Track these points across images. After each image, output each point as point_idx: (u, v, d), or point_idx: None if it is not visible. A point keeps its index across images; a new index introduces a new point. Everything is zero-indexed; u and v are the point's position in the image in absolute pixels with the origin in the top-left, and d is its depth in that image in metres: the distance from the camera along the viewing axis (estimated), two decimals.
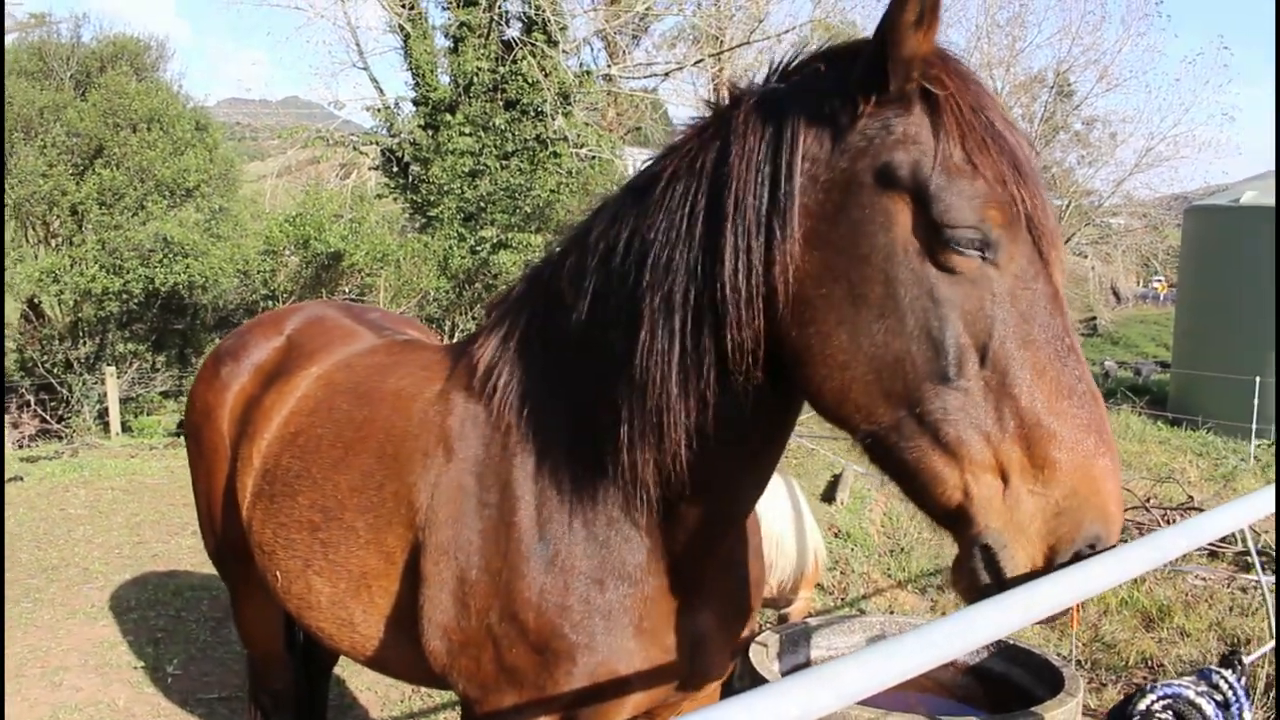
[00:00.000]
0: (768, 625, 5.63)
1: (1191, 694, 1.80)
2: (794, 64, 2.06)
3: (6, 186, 16.04)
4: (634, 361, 2.15)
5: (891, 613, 7.67)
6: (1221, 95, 79.33)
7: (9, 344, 16.13)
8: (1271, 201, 17.54)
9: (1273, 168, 19.39)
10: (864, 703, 4.13)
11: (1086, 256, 40.08)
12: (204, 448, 3.67)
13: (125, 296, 16.85)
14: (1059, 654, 6.41)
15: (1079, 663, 7.18)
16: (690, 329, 2.05)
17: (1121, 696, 6.19)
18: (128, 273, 16.73)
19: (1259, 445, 15.61)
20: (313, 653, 4.21)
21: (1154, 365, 26.85)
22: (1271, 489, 2.63)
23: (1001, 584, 1.72)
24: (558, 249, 2.56)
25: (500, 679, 2.48)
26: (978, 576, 1.76)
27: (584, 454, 2.37)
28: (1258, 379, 15.87)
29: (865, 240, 1.81)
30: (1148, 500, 10.62)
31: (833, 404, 1.88)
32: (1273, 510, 2.50)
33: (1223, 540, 9.57)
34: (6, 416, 15.03)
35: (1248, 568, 9.29)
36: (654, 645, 2.45)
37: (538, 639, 2.39)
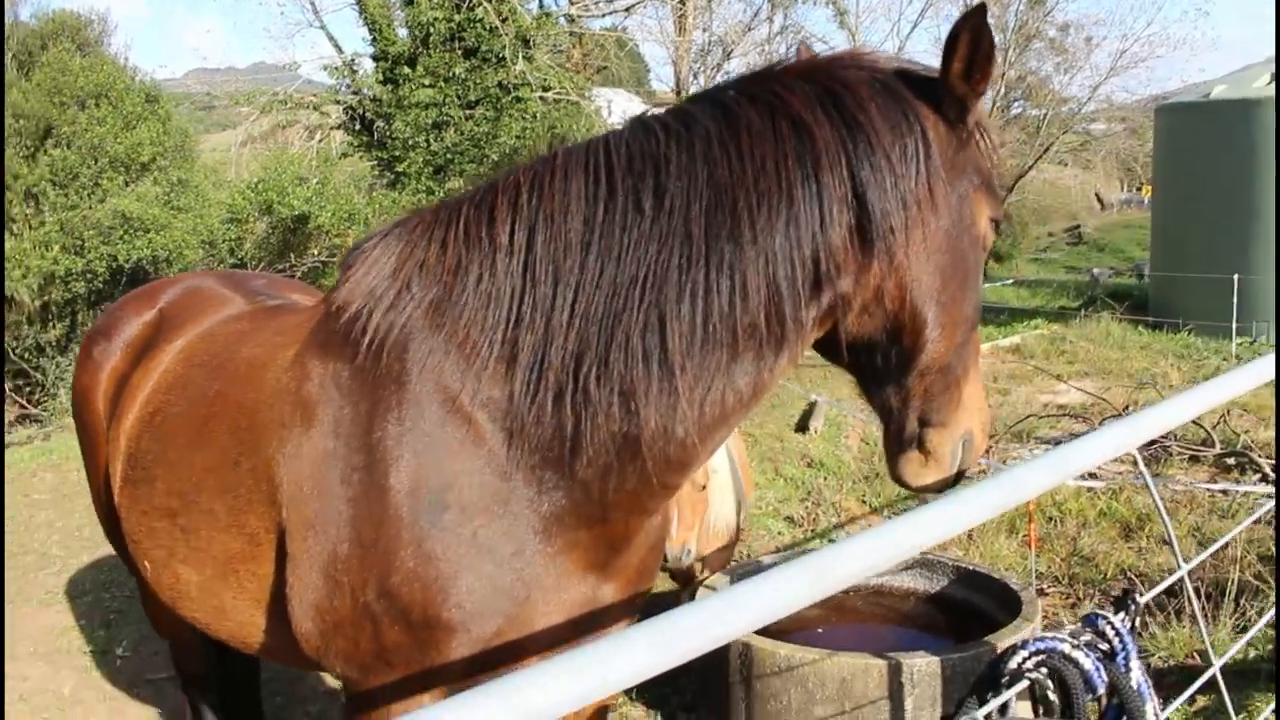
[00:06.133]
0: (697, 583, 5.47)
1: (1067, 648, 1.64)
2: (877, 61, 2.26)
3: None
4: (678, 302, 2.08)
5: None
6: None
7: None
8: (1241, 95, 17.29)
9: (1244, 64, 19.06)
10: (819, 644, 3.99)
11: (1066, 164, 39.70)
12: (85, 432, 3.50)
13: (90, 276, 16.61)
14: (1022, 577, 6.30)
15: (1056, 579, 7.08)
16: (807, 263, 2.10)
17: (1071, 619, 6.09)
18: (90, 252, 16.47)
19: (1239, 344, 15.52)
20: None
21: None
22: (1199, 389, 2.49)
23: (963, 472, 2.37)
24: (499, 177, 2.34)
25: (381, 657, 2.31)
26: (957, 461, 2.33)
27: (489, 401, 2.18)
28: (1236, 277, 15.72)
29: (972, 222, 2.22)
30: (1125, 409, 10.49)
31: (935, 355, 2.20)
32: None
33: (1202, 443, 9.45)
34: None
35: (1227, 469, 9.19)
36: (556, 612, 2.29)
37: (423, 613, 2.21)
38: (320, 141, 24.07)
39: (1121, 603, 1.78)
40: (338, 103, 23.22)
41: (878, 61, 2.24)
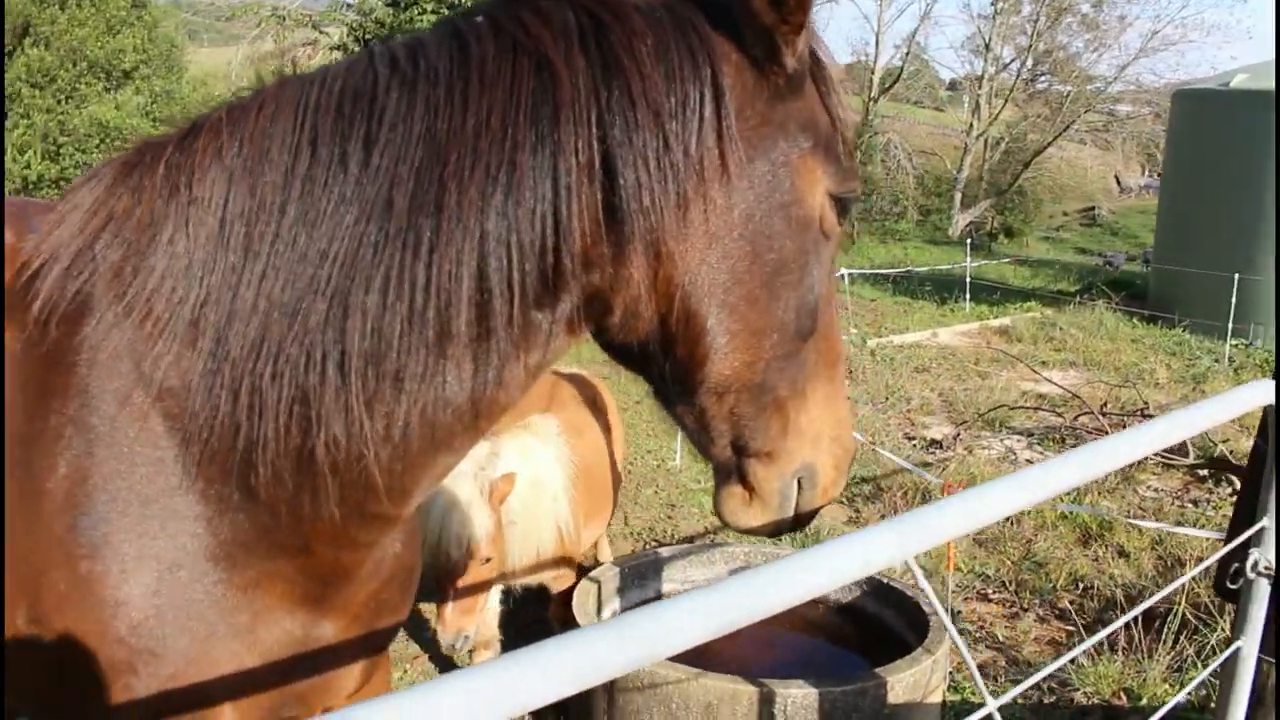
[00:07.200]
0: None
1: None
2: None
3: None
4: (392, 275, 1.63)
5: None
6: None
7: None
8: (1263, 86, 16.60)
9: (1273, 54, 18.32)
10: (685, 657, 3.55)
11: (1086, 144, 38.92)
12: None
13: (64, 185, 16.19)
14: (944, 591, 5.88)
15: (1003, 584, 6.68)
16: (529, 253, 1.64)
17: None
18: (65, 159, 16.08)
19: (1234, 345, 14.96)
20: None
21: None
22: (1200, 405, 2.08)
23: (810, 514, 1.98)
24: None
25: (43, 694, 1.93)
26: (789, 502, 1.92)
27: (167, 393, 1.76)
28: (1236, 275, 15.13)
29: (794, 198, 1.75)
30: (1104, 406, 10.03)
31: (727, 372, 1.78)
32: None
33: (1175, 450, 9.00)
34: None
35: (1201, 480, 8.75)
36: (250, 652, 1.88)
37: (79, 647, 1.82)
38: (322, 61, 23.43)
39: None
40: (339, 22, 22.56)
41: None
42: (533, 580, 4.67)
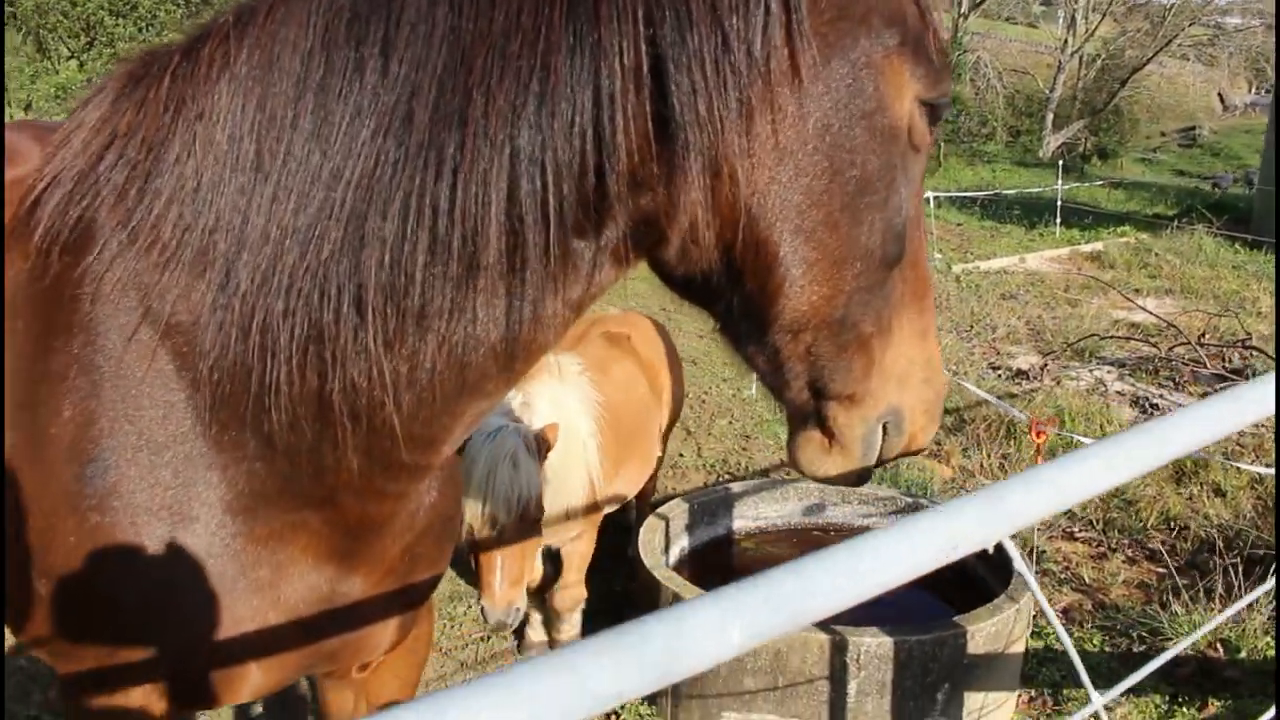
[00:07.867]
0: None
1: None
2: None
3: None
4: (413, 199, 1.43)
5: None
6: None
7: None
8: None
9: None
10: None
11: (1189, 59, 37.16)
12: None
13: None
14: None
15: (1090, 523, 6.42)
16: (567, 173, 1.43)
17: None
18: None
19: None
20: None
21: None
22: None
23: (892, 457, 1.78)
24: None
25: (56, 647, 1.85)
26: (873, 450, 1.73)
27: (177, 329, 1.62)
28: None
29: (878, 106, 1.53)
30: (1202, 336, 9.58)
31: (804, 307, 1.57)
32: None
33: None
34: None
35: None
36: (274, 608, 1.78)
37: (90, 603, 1.75)
38: None
39: None
40: None
41: None
42: (550, 543, 4.28)
